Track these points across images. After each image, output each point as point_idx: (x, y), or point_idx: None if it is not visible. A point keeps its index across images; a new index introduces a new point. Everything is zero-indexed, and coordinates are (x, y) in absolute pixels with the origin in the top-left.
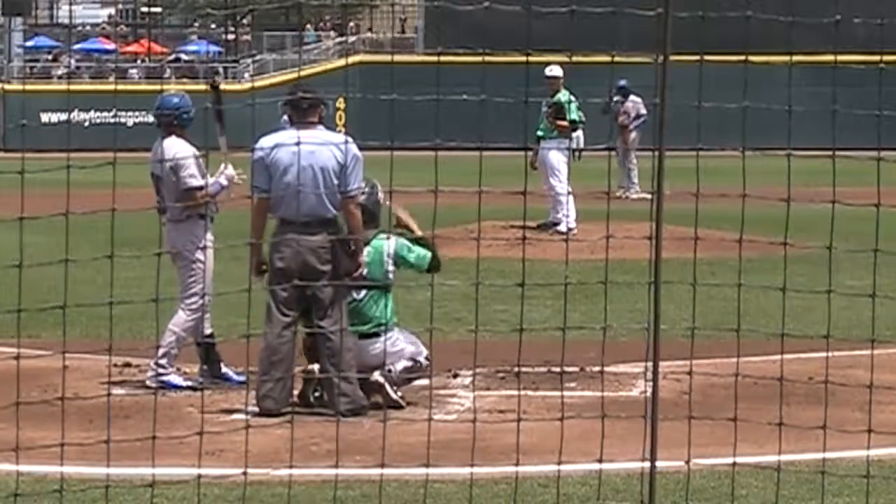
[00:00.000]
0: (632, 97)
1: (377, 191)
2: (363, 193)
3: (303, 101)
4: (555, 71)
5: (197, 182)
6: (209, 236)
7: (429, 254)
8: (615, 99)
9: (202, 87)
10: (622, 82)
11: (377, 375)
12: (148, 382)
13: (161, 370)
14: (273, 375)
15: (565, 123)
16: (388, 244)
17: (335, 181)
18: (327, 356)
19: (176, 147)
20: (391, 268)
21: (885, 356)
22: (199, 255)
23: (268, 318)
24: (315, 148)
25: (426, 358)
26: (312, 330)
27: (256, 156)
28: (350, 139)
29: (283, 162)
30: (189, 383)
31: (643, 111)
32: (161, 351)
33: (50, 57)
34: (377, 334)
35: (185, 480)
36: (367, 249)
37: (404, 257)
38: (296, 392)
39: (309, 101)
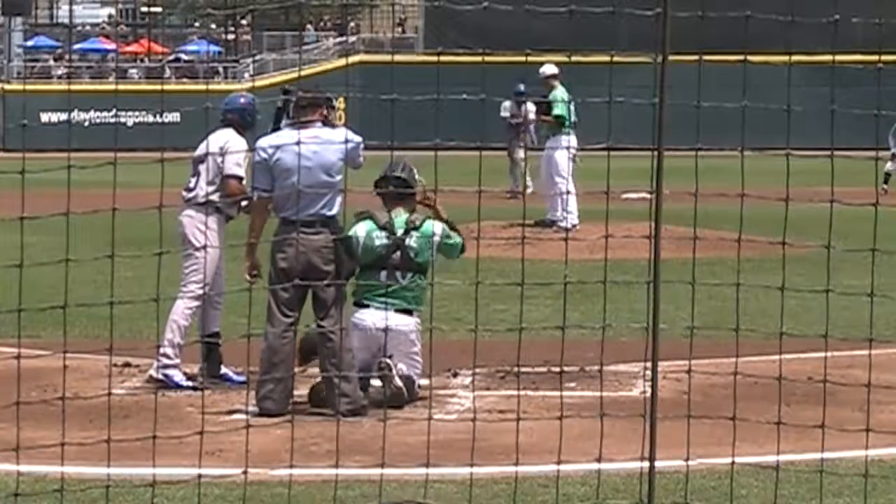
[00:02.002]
0: (528, 104)
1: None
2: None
3: (302, 100)
4: (547, 70)
5: (240, 171)
6: (217, 233)
7: (461, 240)
8: (508, 105)
9: (202, 87)
10: (521, 87)
11: (388, 359)
12: (151, 372)
13: (166, 360)
14: (273, 376)
15: (548, 118)
16: (434, 229)
17: (338, 178)
18: (327, 356)
19: (232, 136)
20: (438, 235)
21: (885, 356)
22: (208, 242)
23: (269, 319)
24: (318, 148)
25: (419, 387)
26: (312, 330)
27: (259, 157)
28: (350, 133)
29: (286, 163)
30: (190, 384)
31: (532, 117)
32: (165, 341)
33: (51, 57)
34: (410, 312)
35: (185, 480)
36: (417, 232)
37: (447, 243)
38: (305, 391)
39: (308, 100)
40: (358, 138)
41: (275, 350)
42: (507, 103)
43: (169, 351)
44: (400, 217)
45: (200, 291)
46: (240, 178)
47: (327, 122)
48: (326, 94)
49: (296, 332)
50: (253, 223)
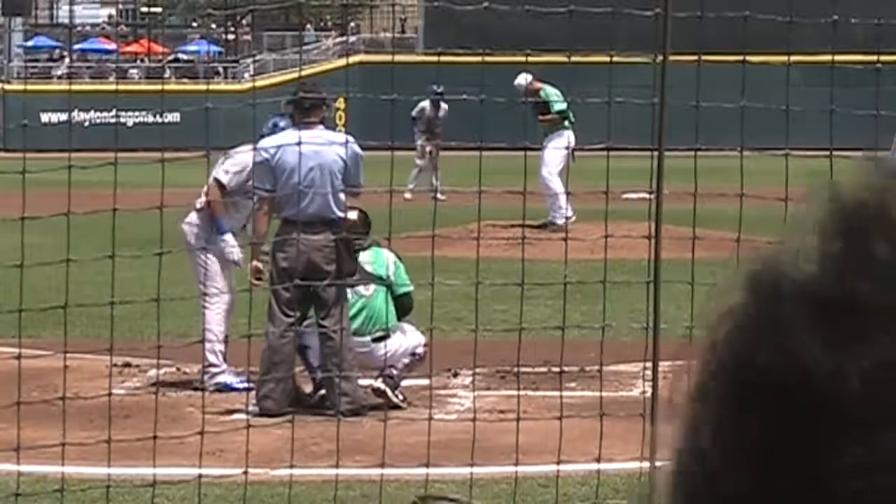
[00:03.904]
0: (443, 105)
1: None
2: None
3: (305, 101)
4: (522, 81)
5: (224, 178)
6: (221, 240)
7: (412, 289)
8: (424, 106)
9: (202, 87)
10: (439, 88)
11: (379, 382)
12: (206, 386)
13: (213, 370)
14: (274, 375)
15: (552, 116)
16: (387, 253)
17: (339, 181)
18: (328, 355)
19: (243, 148)
20: (392, 273)
21: None
22: (209, 250)
23: (270, 318)
24: (320, 148)
25: (424, 345)
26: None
27: (261, 158)
28: (351, 138)
29: (288, 163)
30: (245, 385)
31: (444, 115)
32: (206, 352)
33: (49, 56)
34: (387, 336)
35: (185, 480)
36: (368, 252)
37: (398, 272)
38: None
39: (311, 101)
40: (360, 150)
41: (275, 350)
42: (424, 104)
43: (213, 359)
44: None
45: (224, 296)
46: (221, 184)
47: (325, 123)
48: (323, 94)
49: (297, 332)
50: (256, 226)
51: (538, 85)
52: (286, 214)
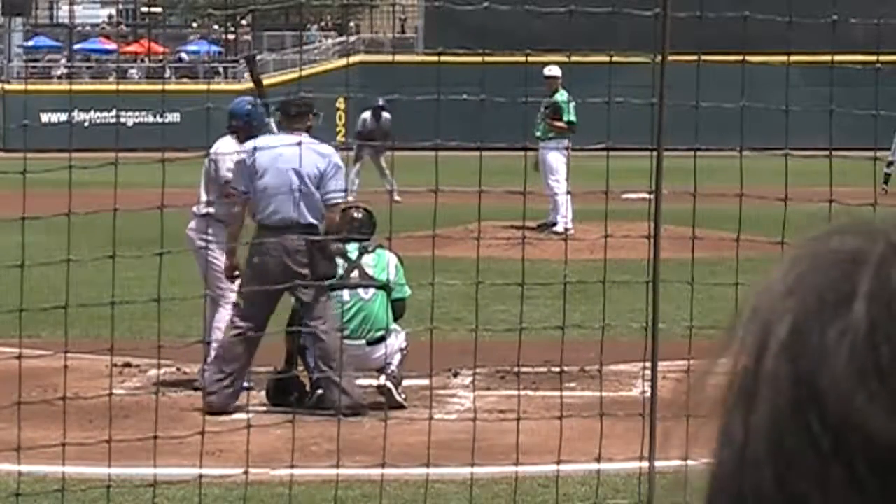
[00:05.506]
0: (385, 115)
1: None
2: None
3: (291, 108)
4: (553, 71)
5: (231, 176)
6: (221, 241)
7: (409, 293)
8: (366, 117)
9: (202, 87)
10: (381, 101)
11: (384, 380)
12: (199, 382)
13: None
14: (224, 370)
15: (562, 124)
16: (390, 255)
17: (313, 188)
18: (320, 357)
19: (223, 144)
20: (392, 276)
21: None
22: (215, 252)
23: (234, 316)
24: (298, 153)
25: (405, 339)
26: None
27: (241, 157)
28: (332, 150)
29: (262, 164)
30: (245, 385)
31: (388, 125)
32: (211, 350)
33: (57, 57)
34: (383, 338)
35: (185, 480)
36: (372, 255)
37: (398, 275)
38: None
39: (297, 108)
40: (340, 162)
41: (227, 348)
42: (365, 115)
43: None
44: (352, 245)
45: (234, 295)
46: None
47: (309, 130)
48: (311, 103)
49: (261, 333)
50: (231, 227)
51: (557, 85)
52: (260, 217)
